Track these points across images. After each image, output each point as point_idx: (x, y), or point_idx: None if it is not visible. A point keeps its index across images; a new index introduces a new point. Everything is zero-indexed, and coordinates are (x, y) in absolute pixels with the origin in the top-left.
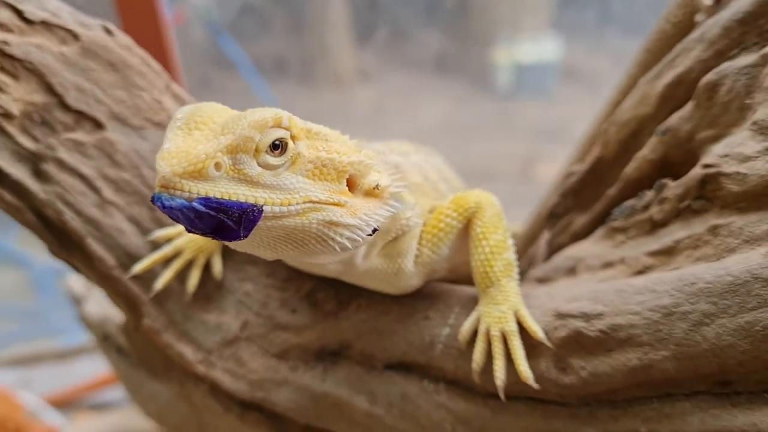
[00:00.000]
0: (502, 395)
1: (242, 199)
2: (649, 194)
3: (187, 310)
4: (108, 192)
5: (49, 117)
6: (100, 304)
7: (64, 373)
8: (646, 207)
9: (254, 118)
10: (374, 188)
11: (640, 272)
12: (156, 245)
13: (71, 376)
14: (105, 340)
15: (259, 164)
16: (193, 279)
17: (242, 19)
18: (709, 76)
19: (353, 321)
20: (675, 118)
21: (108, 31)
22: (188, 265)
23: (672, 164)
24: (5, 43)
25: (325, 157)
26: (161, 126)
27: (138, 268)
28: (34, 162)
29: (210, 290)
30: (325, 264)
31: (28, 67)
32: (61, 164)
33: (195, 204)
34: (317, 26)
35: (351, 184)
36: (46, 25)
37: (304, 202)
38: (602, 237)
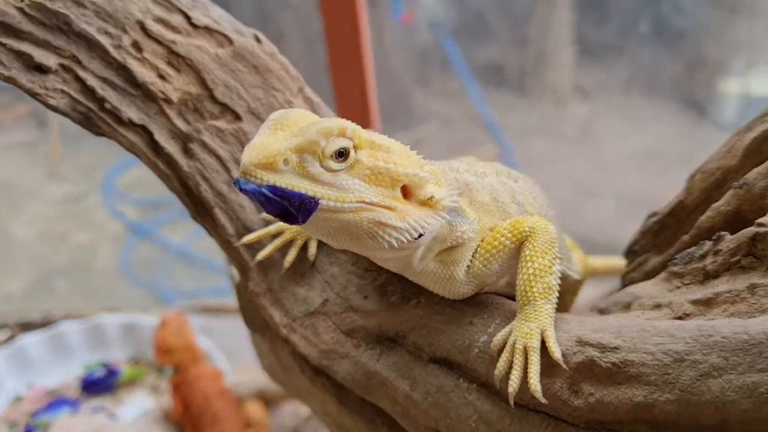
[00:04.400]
0: (511, 401)
1: (302, 191)
2: (708, 245)
3: (283, 281)
4: (236, 173)
5: (200, 106)
6: None
7: (239, 326)
8: (703, 257)
9: (322, 126)
10: (428, 199)
11: (680, 318)
12: (267, 222)
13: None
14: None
15: (321, 166)
16: (290, 256)
17: (467, 24)
18: None
19: (411, 315)
20: (753, 173)
21: (258, 39)
22: (290, 244)
23: (745, 219)
24: (174, 42)
25: (382, 165)
26: None
27: (247, 239)
28: (184, 141)
29: (304, 268)
30: (387, 259)
31: (188, 63)
32: (204, 145)
33: (264, 190)
34: (539, 38)
35: (408, 193)
36: (208, 30)
37: (357, 202)
38: (662, 279)
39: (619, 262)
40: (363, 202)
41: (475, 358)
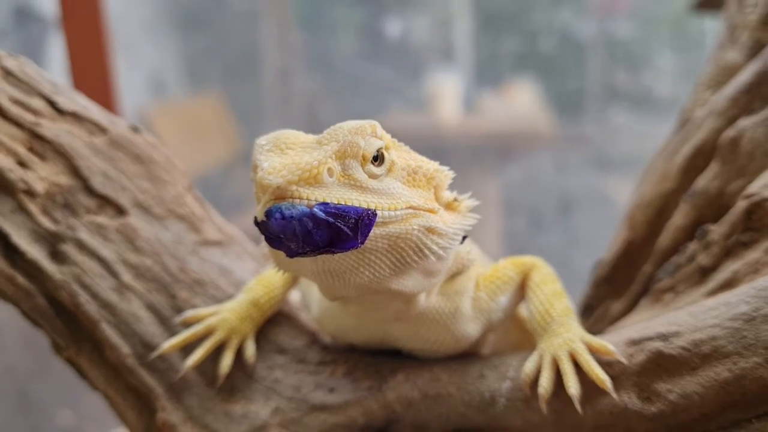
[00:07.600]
0: (578, 406)
1: (356, 204)
2: (691, 245)
3: (207, 403)
4: (127, 277)
5: (72, 200)
6: None
7: None
8: (692, 258)
9: (353, 126)
10: (453, 200)
11: None
12: (173, 332)
13: None
14: None
15: (365, 172)
16: (227, 360)
17: None
18: (728, 132)
19: (401, 390)
20: (702, 180)
21: (135, 129)
22: (216, 351)
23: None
24: (37, 124)
25: (414, 165)
26: (184, 218)
27: (167, 345)
28: (52, 243)
29: (234, 380)
30: (391, 303)
31: (57, 149)
32: (81, 245)
33: (315, 210)
34: None
35: (435, 195)
36: (76, 117)
37: (406, 208)
38: (649, 304)
39: None
40: (411, 207)
41: (504, 410)
